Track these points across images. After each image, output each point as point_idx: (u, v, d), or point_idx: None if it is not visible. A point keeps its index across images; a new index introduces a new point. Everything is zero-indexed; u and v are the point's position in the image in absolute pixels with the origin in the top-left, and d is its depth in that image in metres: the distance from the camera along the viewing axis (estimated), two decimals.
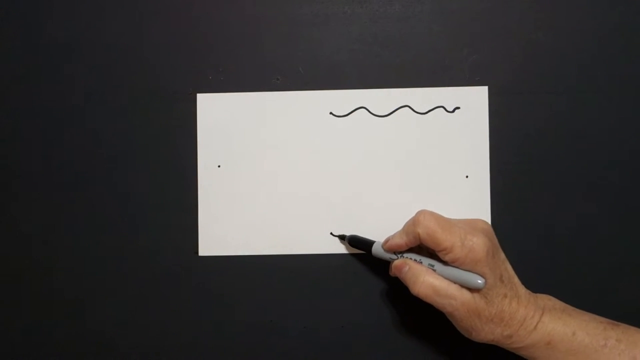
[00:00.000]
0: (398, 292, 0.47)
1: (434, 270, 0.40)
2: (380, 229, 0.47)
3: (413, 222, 0.41)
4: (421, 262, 0.41)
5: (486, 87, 0.47)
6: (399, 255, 0.43)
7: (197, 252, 0.48)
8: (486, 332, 0.40)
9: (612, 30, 0.46)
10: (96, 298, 0.48)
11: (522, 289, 0.41)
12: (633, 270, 0.46)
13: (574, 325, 0.39)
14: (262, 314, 0.47)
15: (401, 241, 0.42)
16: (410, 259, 0.42)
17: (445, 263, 0.40)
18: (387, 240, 0.43)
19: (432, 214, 0.41)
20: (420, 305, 0.47)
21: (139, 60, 0.48)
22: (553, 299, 0.42)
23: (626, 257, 0.46)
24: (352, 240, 0.46)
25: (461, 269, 0.39)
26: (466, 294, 0.39)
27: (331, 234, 0.47)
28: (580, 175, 0.46)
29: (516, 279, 0.41)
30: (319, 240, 0.47)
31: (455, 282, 0.40)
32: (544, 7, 0.47)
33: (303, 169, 0.47)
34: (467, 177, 0.47)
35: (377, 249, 0.44)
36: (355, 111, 0.47)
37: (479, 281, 0.39)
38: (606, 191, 0.46)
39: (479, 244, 0.39)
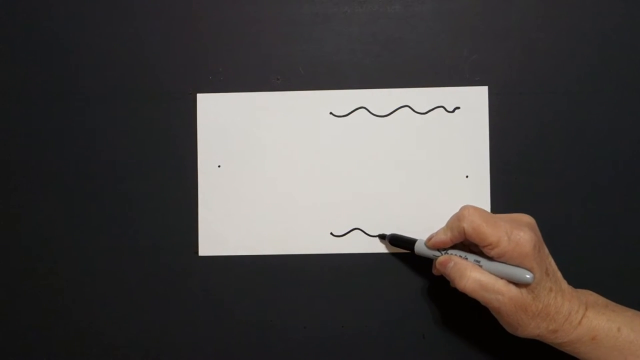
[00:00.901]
0: (398, 292, 0.47)
1: (480, 266, 0.40)
2: (381, 228, 0.47)
3: (457, 218, 0.41)
4: (466, 259, 0.41)
5: (486, 87, 0.47)
6: (442, 252, 0.42)
7: (197, 252, 0.48)
8: (532, 327, 0.40)
9: (612, 30, 0.46)
10: (96, 298, 0.48)
11: (565, 283, 0.40)
12: (633, 270, 0.46)
13: (618, 321, 0.39)
14: (262, 314, 0.47)
15: (445, 237, 0.42)
16: (455, 255, 0.42)
17: (490, 259, 0.40)
18: (430, 238, 0.43)
19: (477, 208, 0.40)
20: (420, 305, 0.47)
21: (139, 60, 0.48)
22: (594, 294, 0.42)
23: (626, 256, 0.46)
24: (393, 239, 0.46)
25: (508, 264, 0.39)
26: (513, 289, 0.39)
27: (379, 236, 0.47)
28: (580, 175, 0.46)
29: (559, 273, 0.41)
30: (319, 240, 0.47)
31: (502, 278, 0.39)
32: (544, 7, 0.47)
33: (303, 169, 0.47)
34: (467, 177, 0.47)
35: (420, 247, 0.44)
36: (355, 111, 0.47)
37: (527, 276, 0.38)
38: (606, 191, 0.46)
39: (526, 238, 0.38)
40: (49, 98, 0.48)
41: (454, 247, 0.42)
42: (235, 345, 0.47)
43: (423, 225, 0.47)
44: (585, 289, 0.42)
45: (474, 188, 0.47)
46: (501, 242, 0.39)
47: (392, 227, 0.47)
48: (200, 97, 0.48)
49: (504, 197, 0.46)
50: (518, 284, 0.39)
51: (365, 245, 0.47)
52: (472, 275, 0.40)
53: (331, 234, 0.47)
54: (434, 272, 0.44)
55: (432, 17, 0.47)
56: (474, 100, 0.47)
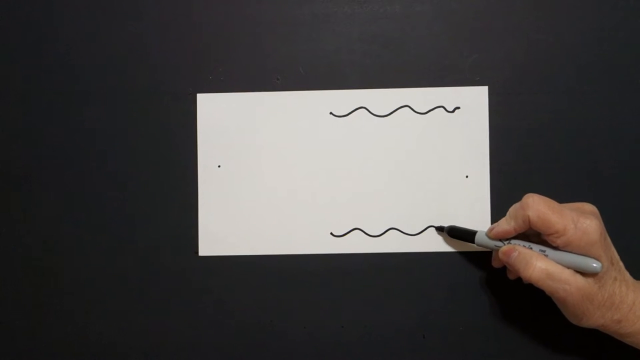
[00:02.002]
0: (398, 292, 0.47)
1: (546, 256, 0.40)
2: (381, 228, 0.47)
3: (521, 206, 0.40)
4: (531, 248, 0.40)
5: (486, 87, 0.47)
6: (505, 242, 0.42)
7: (197, 252, 0.48)
8: (597, 317, 0.39)
9: (612, 30, 0.46)
10: (96, 298, 0.48)
11: (627, 274, 0.40)
12: (632, 270, 0.46)
13: None
14: (262, 314, 0.47)
15: (509, 227, 0.41)
16: (519, 244, 0.41)
17: (555, 248, 0.39)
18: (492, 228, 0.42)
19: (541, 196, 0.40)
20: (421, 305, 0.47)
21: (139, 60, 0.48)
22: None
23: (626, 256, 0.46)
24: (452, 231, 0.46)
25: (574, 253, 0.39)
26: (580, 279, 0.38)
27: (434, 227, 0.47)
28: (580, 175, 0.46)
29: (621, 263, 0.40)
30: (319, 240, 0.47)
31: (568, 267, 0.39)
32: (544, 7, 0.47)
33: (303, 169, 0.47)
34: (467, 177, 0.47)
35: (481, 238, 0.43)
36: (355, 111, 0.47)
37: (595, 265, 0.38)
38: (606, 191, 0.46)
39: (593, 226, 0.38)
40: (49, 98, 0.48)
41: (515, 238, 0.42)
42: (235, 345, 0.47)
43: (423, 225, 0.47)
44: None
45: (474, 188, 0.47)
46: (568, 230, 0.38)
47: (392, 226, 0.47)
48: (200, 97, 0.48)
49: (504, 197, 0.46)
50: (584, 273, 0.38)
51: (365, 245, 0.47)
52: (538, 265, 0.39)
53: (331, 234, 0.47)
54: (495, 264, 0.44)
55: (432, 17, 0.47)
56: (474, 100, 0.47)
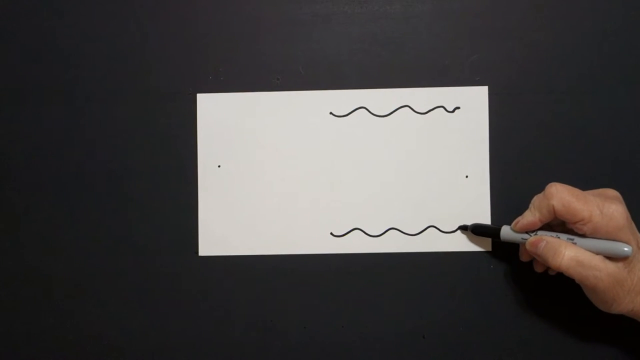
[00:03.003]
0: (398, 291, 0.47)
1: (574, 244, 0.39)
2: (381, 228, 0.47)
3: (545, 196, 0.40)
4: (558, 237, 0.40)
5: (486, 87, 0.47)
6: (531, 234, 0.42)
7: (197, 252, 0.48)
8: (627, 303, 0.39)
9: (612, 30, 0.46)
10: (96, 298, 0.48)
11: None
12: None
13: None
14: (262, 314, 0.47)
15: (534, 218, 0.41)
16: (546, 235, 0.41)
17: (582, 236, 0.39)
18: (517, 222, 0.42)
19: (563, 185, 0.40)
20: (420, 305, 0.47)
21: (139, 60, 0.48)
22: None
23: None
24: (476, 229, 0.45)
25: (602, 239, 0.39)
26: (610, 265, 0.38)
27: (460, 228, 0.47)
28: (580, 175, 0.46)
29: None
30: (319, 240, 0.47)
31: (598, 254, 0.39)
32: (544, 7, 0.47)
33: (303, 169, 0.47)
34: (467, 177, 0.47)
35: (506, 233, 0.43)
36: (355, 111, 0.47)
37: (626, 249, 0.38)
38: None
39: (619, 211, 0.38)
40: (49, 98, 0.48)
41: (540, 229, 0.42)
42: (235, 345, 0.47)
43: (423, 225, 0.47)
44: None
45: (474, 188, 0.47)
46: (594, 217, 0.38)
47: (392, 226, 0.47)
48: (200, 97, 0.48)
49: (504, 197, 0.46)
50: (614, 258, 0.38)
51: (365, 245, 0.47)
52: (567, 252, 0.39)
53: (331, 234, 0.47)
54: (522, 258, 0.44)
55: (432, 17, 0.47)
56: (474, 100, 0.47)
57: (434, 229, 0.47)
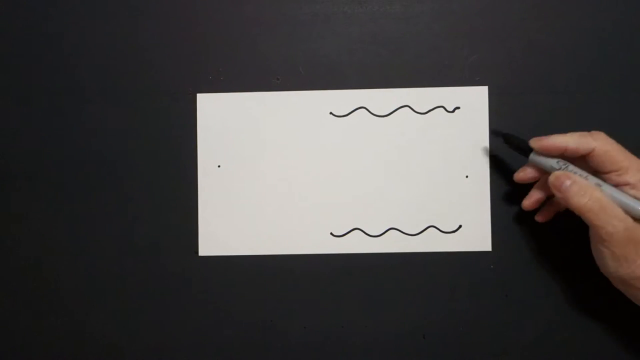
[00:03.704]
0: (398, 291, 0.47)
1: (601, 190, 0.39)
2: (381, 228, 0.47)
3: (590, 135, 0.40)
4: (587, 179, 0.39)
5: (486, 87, 0.47)
6: (562, 166, 0.40)
7: (197, 252, 0.48)
8: (637, 265, 0.38)
9: (612, 30, 0.46)
10: (96, 298, 0.48)
11: None
12: None
13: None
14: (262, 314, 0.47)
15: (563, 143, 0.40)
16: (575, 174, 0.40)
17: (612, 186, 0.39)
18: (540, 139, 0.41)
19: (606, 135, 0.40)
20: (420, 305, 0.47)
21: (139, 60, 0.48)
22: None
23: None
24: (507, 138, 0.44)
25: (630, 194, 0.38)
26: (630, 220, 0.38)
27: (493, 132, 0.46)
28: None
29: None
30: (319, 240, 0.47)
31: (620, 207, 0.38)
32: (544, 7, 0.47)
33: (303, 169, 0.47)
34: (467, 177, 0.47)
35: (537, 155, 0.41)
36: (355, 111, 0.47)
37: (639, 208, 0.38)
38: None
39: None
40: (49, 98, 0.48)
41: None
42: (235, 345, 0.47)
43: (423, 225, 0.47)
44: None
45: (474, 188, 0.47)
46: (631, 169, 0.38)
47: (392, 226, 0.47)
48: (200, 97, 0.48)
49: (504, 197, 0.46)
50: (635, 218, 0.38)
51: (365, 245, 0.47)
52: (593, 194, 0.38)
53: (331, 234, 0.47)
54: (518, 177, 0.43)
55: (432, 17, 0.47)
56: (474, 100, 0.47)
57: (434, 229, 0.47)
